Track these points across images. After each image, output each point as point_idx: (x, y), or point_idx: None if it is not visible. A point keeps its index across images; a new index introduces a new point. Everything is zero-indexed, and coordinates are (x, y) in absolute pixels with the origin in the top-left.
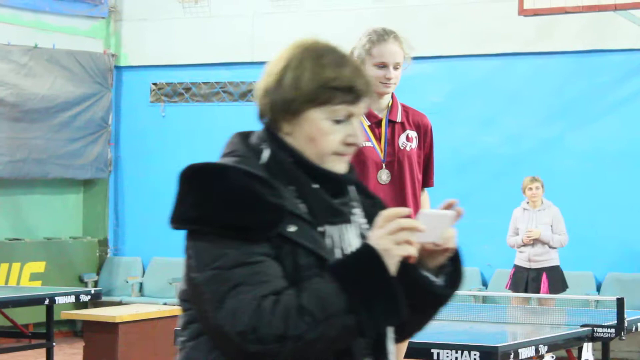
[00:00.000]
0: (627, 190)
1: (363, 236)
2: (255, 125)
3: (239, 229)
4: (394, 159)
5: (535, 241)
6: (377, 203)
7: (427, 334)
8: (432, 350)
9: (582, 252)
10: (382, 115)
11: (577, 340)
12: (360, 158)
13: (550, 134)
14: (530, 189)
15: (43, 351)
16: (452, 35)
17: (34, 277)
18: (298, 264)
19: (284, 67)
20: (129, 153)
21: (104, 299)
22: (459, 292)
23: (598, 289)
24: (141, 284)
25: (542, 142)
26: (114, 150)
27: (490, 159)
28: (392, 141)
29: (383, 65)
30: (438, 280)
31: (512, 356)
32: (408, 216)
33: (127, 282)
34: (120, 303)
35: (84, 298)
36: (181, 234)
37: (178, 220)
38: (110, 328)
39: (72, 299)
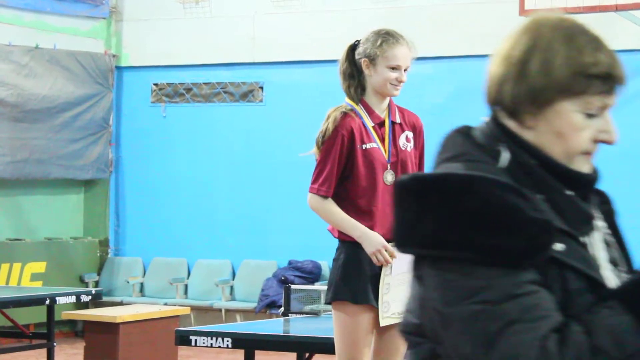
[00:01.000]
0: (628, 191)
1: (607, 244)
2: (258, 125)
3: (503, 253)
4: (398, 160)
5: None
6: (606, 200)
7: None
8: None
9: None
10: (384, 116)
11: None
12: (367, 159)
13: None
14: None
15: (44, 351)
16: (452, 36)
17: (34, 277)
18: (568, 289)
19: (529, 49)
20: (129, 153)
21: (104, 299)
22: None
23: None
24: (142, 284)
25: None
26: (114, 151)
27: None
28: (394, 142)
29: (396, 68)
30: None
31: None
32: None
33: (127, 282)
34: (121, 303)
35: (85, 298)
36: (182, 234)
37: (414, 243)
38: (111, 328)
39: (72, 299)
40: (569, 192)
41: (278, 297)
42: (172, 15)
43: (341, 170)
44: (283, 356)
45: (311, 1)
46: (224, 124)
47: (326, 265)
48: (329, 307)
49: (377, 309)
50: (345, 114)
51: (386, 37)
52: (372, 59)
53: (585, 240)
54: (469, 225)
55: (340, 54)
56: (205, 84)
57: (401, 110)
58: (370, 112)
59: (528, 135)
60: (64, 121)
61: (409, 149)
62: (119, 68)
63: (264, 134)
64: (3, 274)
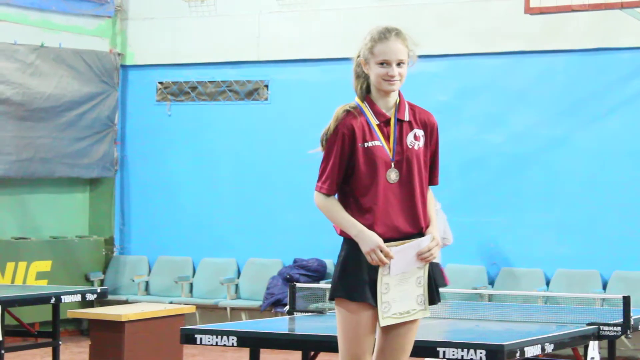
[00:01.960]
0: (633, 188)
1: None
2: (263, 124)
3: None
4: (403, 158)
5: None
6: None
7: (434, 332)
8: (439, 349)
9: (588, 249)
10: (390, 113)
11: (583, 339)
12: (369, 157)
13: (557, 132)
14: None
15: (49, 350)
16: (458, 33)
17: (40, 275)
18: None
19: None
20: (135, 152)
21: (110, 297)
22: (465, 290)
23: (604, 287)
24: (147, 282)
25: (549, 141)
26: (120, 149)
27: (497, 157)
28: (400, 140)
29: (385, 63)
30: None
31: (518, 354)
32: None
33: (133, 280)
34: (126, 302)
35: (90, 297)
36: (187, 233)
37: None
38: (116, 327)
39: (78, 297)
40: None
41: (283, 296)
42: (178, 13)
43: (344, 168)
44: (288, 354)
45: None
46: (229, 122)
47: (331, 264)
48: (334, 305)
49: (376, 306)
50: (348, 112)
51: (373, 35)
52: (366, 58)
53: None
54: None
55: (344, 52)
56: (210, 82)
57: (412, 108)
58: (375, 110)
59: None
60: (69, 120)
61: (416, 147)
62: (124, 67)
63: (269, 132)
64: (8, 273)
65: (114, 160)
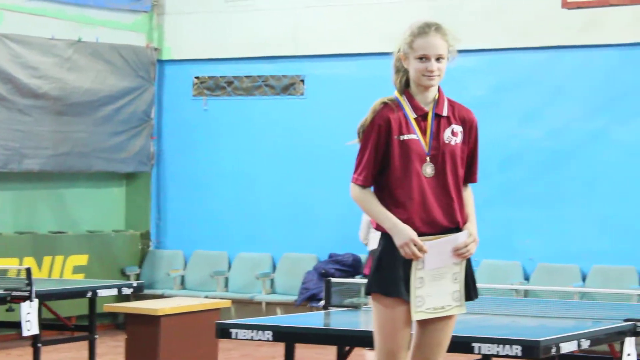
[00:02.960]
0: None
1: None
2: (299, 118)
3: None
4: (439, 153)
5: None
6: None
7: (469, 327)
8: (473, 344)
9: (625, 245)
10: (429, 108)
11: (619, 335)
12: (403, 150)
13: (595, 127)
14: None
15: (85, 344)
16: (495, 28)
17: (76, 270)
18: None
19: None
20: (171, 146)
21: (146, 292)
22: (500, 286)
23: None
24: (183, 277)
25: (587, 136)
26: (156, 144)
27: (535, 152)
28: (437, 135)
29: (425, 58)
30: None
31: (553, 350)
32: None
33: (169, 275)
34: (162, 296)
35: (126, 291)
36: (223, 227)
37: None
38: (152, 321)
39: (114, 291)
40: None
41: (318, 290)
42: (214, 8)
43: (379, 160)
44: (323, 349)
45: None
46: (265, 117)
47: (366, 259)
48: (369, 300)
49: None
50: (385, 105)
51: (413, 30)
52: (405, 53)
53: None
54: None
55: (381, 47)
56: (246, 77)
57: (452, 104)
58: (413, 103)
59: None
60: (106, 114)
61: (453, 143)
62: (160, 61)
63: (305, 127)
64: (45, 267)
65: (150, 155)
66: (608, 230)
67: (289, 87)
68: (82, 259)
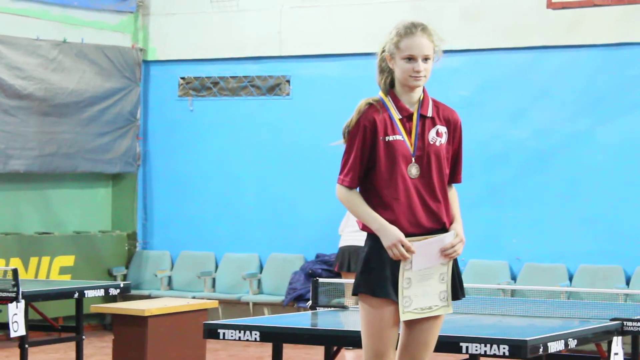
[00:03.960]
0: None
1: None
2: (285, 119)
3: None
4: (424, 154)
5: None
6: None
7: (456, 327)
8: (461, 344)
9: (612, 245)
10: (414, 109)
11: (606, 334)
12: (389, 151)
13: (579, 127)
14: None
15: (73, 344)
16: (480, 28)
17: (63, 270)
18: None
19: None
20: (157, 147)
21: (132, 292)
22: (487, 286)
23: (627, 282)
24: (170, 277)
25: (572, 136)
26: (142, 145)
27: (519, 153)
28: (422, 136)
29: (411, 58)
30: None
31: (541, 350)
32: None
33: (156, 275)
34: (149, 297)
35: (113, 292)
36: (210, 228)
37: None
38: (139, 321)
39: (101, 292)
40: None
41: (305, 291)
42: (199, 9)
43: (365, 160)
44: (311, 349)
45: None
46: (250, 117)
47: None
48: (356, 300)
49: (398, 303)
50: (370, 105)
51: (399, 30)
52: (391, 53)
53: None
54: None
55: (366, 47)
56: (232, 77)
57: (436, 104)
58: (398, 104)
59: None
60: (91, 115)
61: (438, 143)
62: (146, 62)
63: (291, 128)
64: (32, 268)
65: (136, 156)
66: (594, 229)
67: (274, 87)
68: (68, 260)
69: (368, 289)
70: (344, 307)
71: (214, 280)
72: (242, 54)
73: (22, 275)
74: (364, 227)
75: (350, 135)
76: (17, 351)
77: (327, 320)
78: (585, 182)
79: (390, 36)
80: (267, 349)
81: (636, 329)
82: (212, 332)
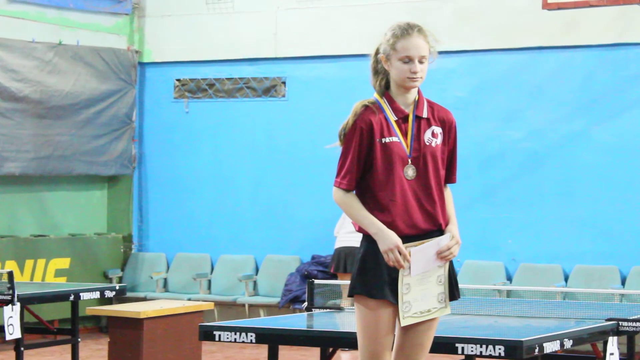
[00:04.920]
0: None
1: None
2: (280, 120)
3: None
4: (420, 155)
5: None
6: None
7: (452, 328)
8: (457, 345)
9: (607, 245)
10: (409, 110)
11: (602, 334)
12: (386, 153)
13: (575, 128)
14: None
15: (68, 347)
16: (475, 29)
17: (59, 273)
18: None
19: None
20: (153, 149)
21: (128, 294)
22: (483, 286)
23: (623, 282)
24: (165, 279)
25: (567, 137)
26: (138, 147)
27: (515, 153)
28: (418, 137)
29: (408, 60)
30: None
31: (537, 350)
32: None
33: (151, 278)
34: (144, 299)
35: (109, 294)
36: (205, 230)
37: None
38: (135, 324)
39: (97, 295)
40: None
41: (301, 292)
42: (195, 10)
43: (362, 163)
44: (307, 351)
45: None
46: (246, 119)
47: None
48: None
49: (395, 304)
50: (366, 107)
51: (395, 31)
52: (387, 54)
53: None
54: None
55: (362, 48)
56: (227, 79)
57: (431, 105)
58: (393, 106)
59: None
60: (87, 117)
61: (433, 144)
62: (141, 64)
63: (287, 129)
64: (27, 270)
65: (132, 158)
66: (590, 230)
67: (270, 89)
68: (64, 262)
69: (364, 290)
70: (339, 309)
71: (209, 282)
72: (238, 55)
73: (17, 278)
74: (360, 229)
75: (347, 137)
76: (13, 354)
77: (323, 321)
78: (581, 183)
79: (385, 37)
80: (263, 350)
81: (632, 329)
82: (207, 334)
